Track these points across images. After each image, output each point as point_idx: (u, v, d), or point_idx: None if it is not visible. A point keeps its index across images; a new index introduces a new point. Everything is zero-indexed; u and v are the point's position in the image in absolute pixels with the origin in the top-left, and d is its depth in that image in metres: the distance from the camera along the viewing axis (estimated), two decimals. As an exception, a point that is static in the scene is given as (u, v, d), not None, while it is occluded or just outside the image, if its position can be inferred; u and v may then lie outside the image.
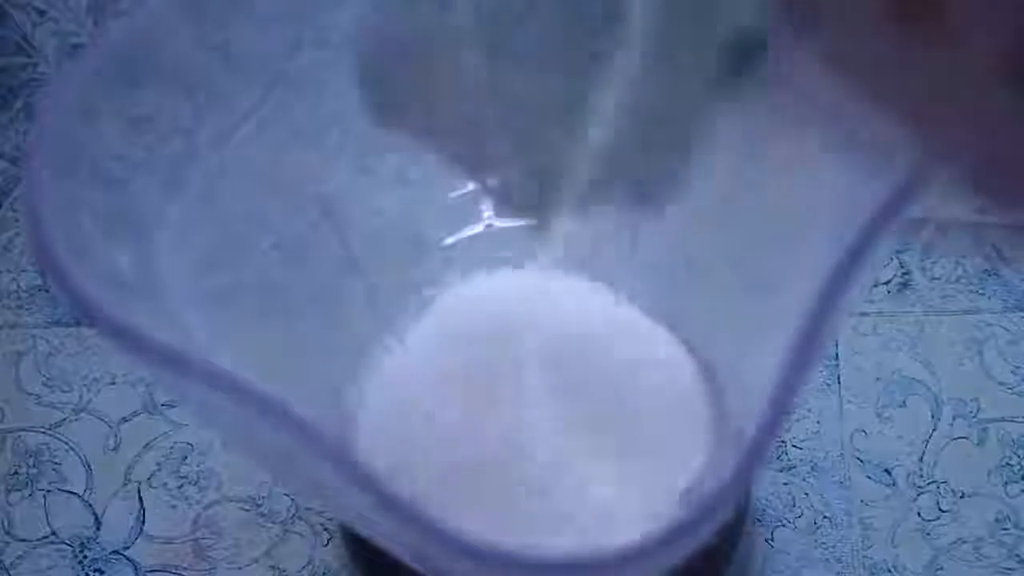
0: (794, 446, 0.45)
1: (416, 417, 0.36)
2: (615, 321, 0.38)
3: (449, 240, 0.38)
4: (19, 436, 0.46)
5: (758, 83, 0.20)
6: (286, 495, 0.44)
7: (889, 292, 0.47)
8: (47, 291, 0.48)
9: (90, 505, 0.45)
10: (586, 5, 0.22)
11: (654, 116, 0.21)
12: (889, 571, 0.43)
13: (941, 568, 0.43)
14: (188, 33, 0.27)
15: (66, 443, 0.46)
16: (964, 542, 0.43)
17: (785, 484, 0.44)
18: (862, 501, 0.44)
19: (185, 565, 0.44)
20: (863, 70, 0.19)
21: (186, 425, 0.46)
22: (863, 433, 0.45)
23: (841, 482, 0.44)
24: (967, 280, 0.47)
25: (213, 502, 0.45)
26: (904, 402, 0.45)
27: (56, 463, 0.45)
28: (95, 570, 0.44)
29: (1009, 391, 0.45)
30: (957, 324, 0.46)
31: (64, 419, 0.46)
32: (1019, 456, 0.44)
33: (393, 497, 0.21)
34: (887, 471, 0.44)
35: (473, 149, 0.26)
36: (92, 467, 0.45)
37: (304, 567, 0.44)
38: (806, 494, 0.44)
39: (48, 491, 0.45)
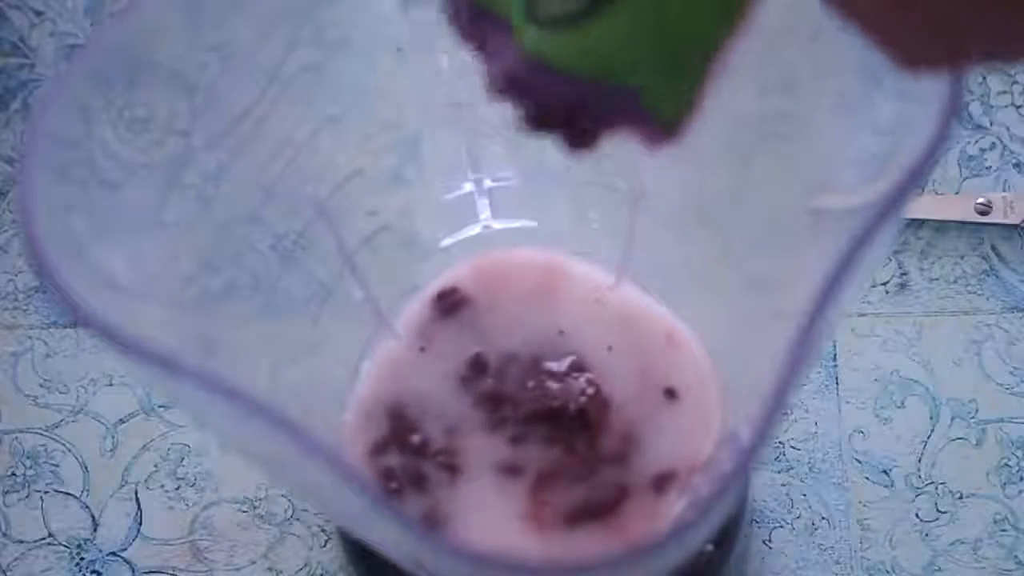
0: (792, 447, 0.45)
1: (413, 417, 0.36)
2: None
3: (446, 241, 0.38)
4: (16, 437, 0.46)
5: None
6: (283, 496, 0.44)
7: (887, 293, 0.47)
8: (44, 292, 0.48)
9: (87, 507, 0.45)
10: None
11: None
12: (887, 572, 0.43)
13: (939, 569, 0.43)
14: (185, 34, 0.27)
15: (63, 444, 0.46)
16: (962, 543, 0.43)
17: (783, 485, 0.44)
18: (860, 502, 0.44)
19: (182, 567, 0.44)
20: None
21: (183, 427, 0.46)
22: (861, 434, 0.45)
23: (839, 483, 0.44)
24: (965, 281, 0.47)
25: (210, 504, 0.45)
26: (902, 403, 0.45)
27: (53, 464, 0.45)
28: (92, 572, 0.44)
29: (1007, 392, 0.45)
30: (955, 325, 0.46)
31: (61, 420, 0.46)
32: (1017, 457, 0.44)
33: (388, 501, 0.21)
34: (885, 472, 0.44)
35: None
36: (89, 468, 0.45)
37: (301, 568, 0.43)
38: (804, 495, 0.44)
39: (45, 492, 0.45)
